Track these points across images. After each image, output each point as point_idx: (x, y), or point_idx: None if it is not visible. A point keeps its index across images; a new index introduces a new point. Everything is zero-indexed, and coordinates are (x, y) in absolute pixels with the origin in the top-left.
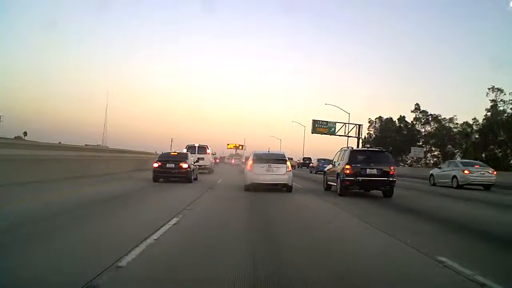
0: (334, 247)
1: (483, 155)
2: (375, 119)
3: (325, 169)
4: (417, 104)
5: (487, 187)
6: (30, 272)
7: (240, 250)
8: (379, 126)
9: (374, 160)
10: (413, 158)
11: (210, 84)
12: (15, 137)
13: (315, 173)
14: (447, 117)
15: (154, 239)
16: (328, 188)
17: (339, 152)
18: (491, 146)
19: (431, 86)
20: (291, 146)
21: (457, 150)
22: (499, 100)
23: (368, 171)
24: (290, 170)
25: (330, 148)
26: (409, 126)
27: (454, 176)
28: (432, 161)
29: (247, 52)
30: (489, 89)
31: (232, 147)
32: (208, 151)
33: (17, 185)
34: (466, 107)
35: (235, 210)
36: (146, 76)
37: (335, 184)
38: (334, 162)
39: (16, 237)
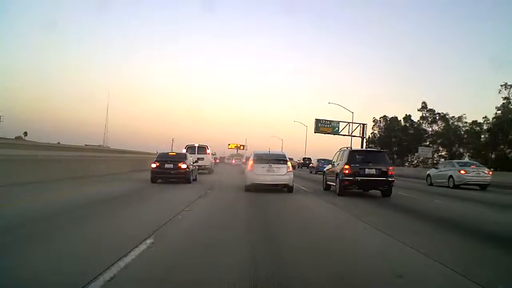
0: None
1: (493, 155)
2: (380, 118)
3: (324, 169)
4: (424, 102)
5: (483, 187)
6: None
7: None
8: (383, 125)
9: (372, 160)
10: (419, 158)
11: (210, 84)
12: (15, 137)
13: (315, 173)
14: (456, 116)
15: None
16: (327, 188)
17: (338, 153)
18: (501, 146)
19: (431, 86)
20: (294, 146)
21: (464, 150)
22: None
23: (366, 171)
24: (291, 171)
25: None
26: (415, 125)
27: (451, 176)
28: (439, 162)
29: (247, 52)
30: (501, 86)
31: (233, 147)
32: (208, 151)
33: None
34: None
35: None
36: (146, 76)
37: (334, 184)
38: (333, 162)
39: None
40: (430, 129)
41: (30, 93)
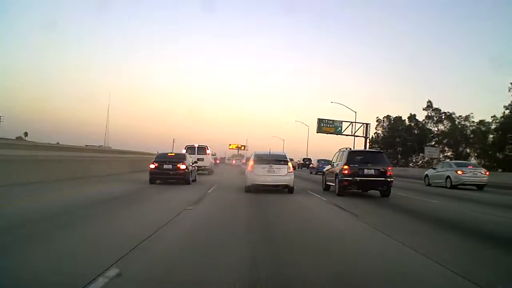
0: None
1: (500, 155)
2: (383, 117)
3: (324, 170)
4: (429, 101)
5: (480, 187)
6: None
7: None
8: (387, 125)
9: (371, 160)
10: (423, 158)
11: (211, 84)
12: (16, 138)
13: (315, 173)
14: (463, 115)
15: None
16: (326, 188)
17: (337, 153)
18: (509, 146)
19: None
20: (295, 146)
21: (471, 150)
22: None
23: (365, 171)
24: (291, 171)
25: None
26: (420, 125)
27: (448, 177)
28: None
29: (247, 52)
30: (511, 83)
31: (234, 147)
32: (208, 151)
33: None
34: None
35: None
36: (147, 76)
37: (334, 185)
38: (333, 163)
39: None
40: (436, 129)
41: (30, 93)
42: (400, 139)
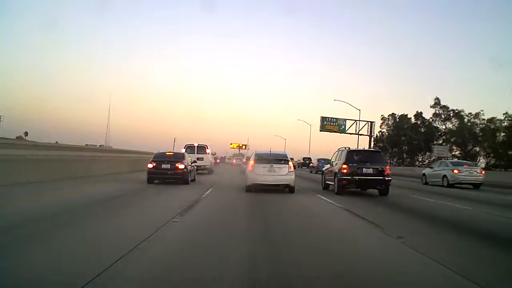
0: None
1: (511, 154)
2: (388, 115)
3: (323, 169)
4: (437, 98)
5: (476, 186)
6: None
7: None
8: (392, 123)
9: (370, 160)
10: (430, 157)
11: (211, 84)
12: (16, 137)
13: (315, 173)
14: (473, 112)
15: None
16: (326, 187)
17: (336, 152)
18: None
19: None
20: (297, 145)
21: (481, 149)
22: None
23: (364, 170)
24: (292, 171)
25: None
26: (427, 123)
27: (445, 176)
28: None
29: (247, 52)
30: None
31: (235, 146)
32: (207, 151)
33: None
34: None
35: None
36: (147, 76)
37: (333, 184)
38: (332, 162)
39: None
40: (444, 127)
41: (31, 93)
42: (406, 137)
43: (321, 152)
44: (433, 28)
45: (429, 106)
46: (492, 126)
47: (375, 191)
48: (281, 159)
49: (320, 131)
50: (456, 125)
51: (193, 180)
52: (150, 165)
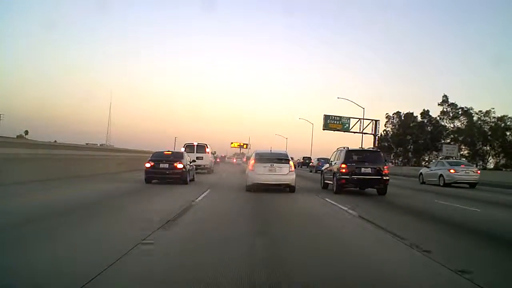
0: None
1: None
2: (393, 114)
3: (322, 168)
4: (445, 95)
5: (472, 185)
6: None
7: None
8: (397, 122)
9: (368, 159)
10: (437, 157)
11: (211, 83)
12: (17, 136)
13: (315, 172)
14: (483, 110)
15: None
16: (325, 186)
17: (335, 152)
18: None
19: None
20: (299, 145)
21: (491, 148)
22: None
23: (363, 170)
24: (293, 170)
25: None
26: (433, 121)
27: (441, 175)
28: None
29: (247, 51)
30: None
31: (236, 146)
32: (207, 150)
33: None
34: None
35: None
36: (147, 76)
37: (332, 183)
38: (331, 161)
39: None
40: (452, 126)
41: (31, 93)
42: (412, 136)
43: (324, 151)
44: (441, 25)
45: (437, 104)
46: (502, 125)
47: (374, 191)
48: (282, 158)
49: (323, 129)
50: (465, 123)
51: (192, 180)
52: (147, 165)
